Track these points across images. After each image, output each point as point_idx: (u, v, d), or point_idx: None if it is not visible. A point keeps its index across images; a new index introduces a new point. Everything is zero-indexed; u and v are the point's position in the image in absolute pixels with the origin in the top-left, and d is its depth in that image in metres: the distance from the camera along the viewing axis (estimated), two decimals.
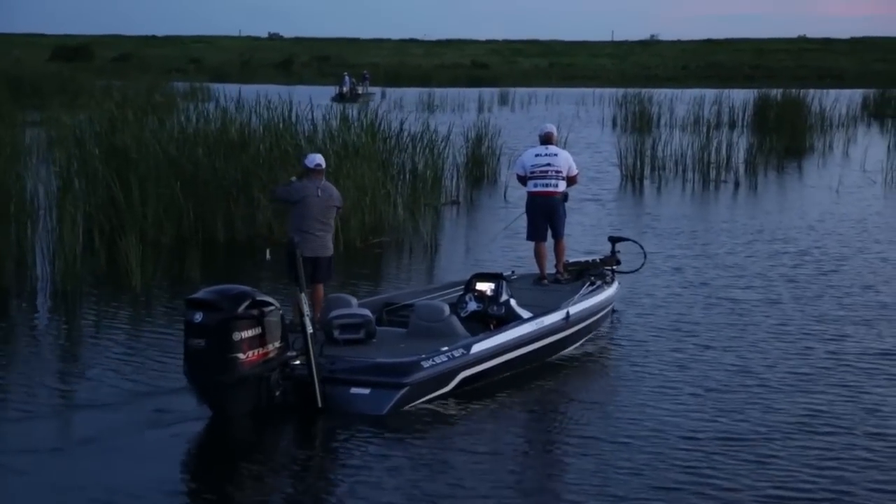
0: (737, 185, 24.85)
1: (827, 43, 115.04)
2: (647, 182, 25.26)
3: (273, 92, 26.96)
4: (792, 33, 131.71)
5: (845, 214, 20.06)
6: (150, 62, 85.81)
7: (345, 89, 57.60)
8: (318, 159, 10.80)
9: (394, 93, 59.08)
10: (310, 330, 8.60)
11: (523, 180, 12.59)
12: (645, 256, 13.36)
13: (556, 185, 12.27)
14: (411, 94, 54.95)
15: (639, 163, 25.73)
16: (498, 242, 17.23)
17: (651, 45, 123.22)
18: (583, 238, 16.97)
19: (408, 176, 20.22)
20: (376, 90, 62.54)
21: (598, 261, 12.55)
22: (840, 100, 44.49)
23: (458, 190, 22.28)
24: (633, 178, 25.39)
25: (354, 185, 16.77)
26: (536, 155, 12.43)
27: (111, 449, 7.90)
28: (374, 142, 18.59)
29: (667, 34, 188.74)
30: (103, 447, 7.93)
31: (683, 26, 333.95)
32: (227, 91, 31.56)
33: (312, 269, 10.21)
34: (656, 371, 10.01)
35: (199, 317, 8.14)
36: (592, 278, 11.90)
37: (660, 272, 14.41)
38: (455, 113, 44.98)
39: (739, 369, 10.03)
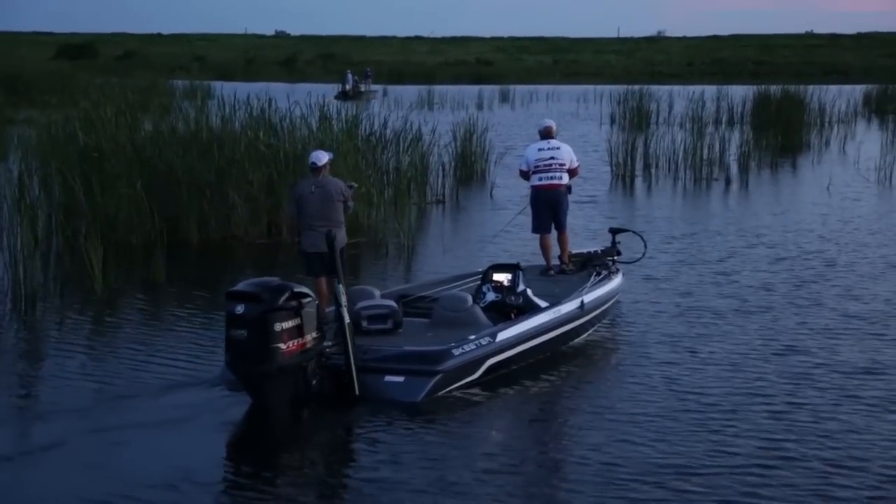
0: (728, 183, 24.53)
1: (833, 39, 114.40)
2: (638, 181, 24.97)
3: (275, 90, 26.77)
4: (800, 29, 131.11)
5: (833, 215, 19.61)
6: (155, 60, 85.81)
7: (347, 87, 57.51)
8: (312, 157, 10.95)
9: (395, 90, 58.90)
10: (347, 320, 8.85)
11: (526, 175, 12.87)
12: (645, 247, 13.53)
13: (561, 178, 12.61)
14: (411, 91, 54.63)
15: (630, 161, 25.45)
16: (476, 242, 17.02)
17: (656, 41, 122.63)
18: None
19: (391, 175, 20.00)
20: (378, 88, 62.37)
21: (599, 252, 12.81)
22: (842, 96, 44.10)
23: (444, 189, 22.02)
24: (623, 177, 25.09)
25: None
26: (539, 149, 12.70)
27: (68, 454, 7.83)
28: (352, 140, 18.31)
29: (674, 30, 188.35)
30: (64, 453, 7.85)
31: (691, 22, 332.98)
32: (229, 89, 31.34)
33: (322, 265, 10.36)
34: (596, 393, 9.49)
35: (240, 308, 8.35)
36: (597, 269, 12.18)
37: (631, 278, 13.89)
38: (454, 111, 44.68)
39: (694, 390, 9.37)
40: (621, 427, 8.42)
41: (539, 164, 12.62)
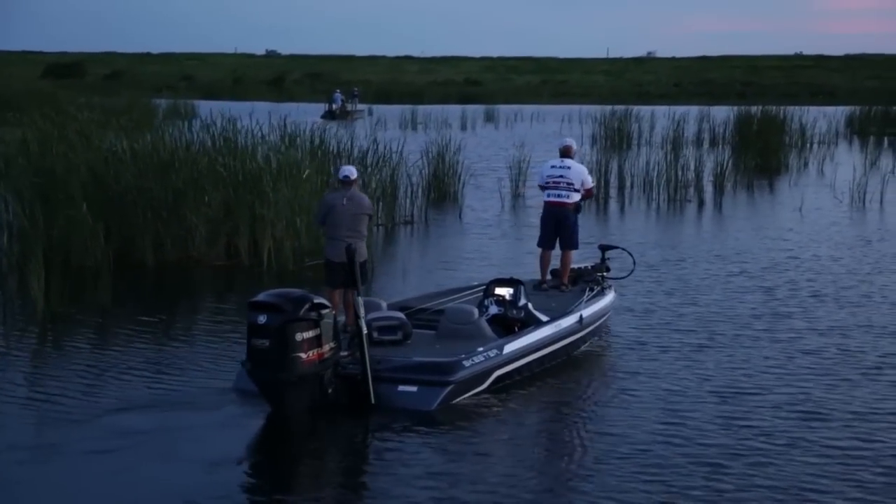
0: (701, 204, 24.32)
1: (820, 60, 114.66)
2: (612, 201, 24.74)
3: (260, 109, 26.50)
4: (788, 50, 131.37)
5: (801, 240, 19.18)
6: (143, 79, 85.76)
7: (334, 106, 57.36)
8: (345, 171, 11.29)
9: (382, 110, 58.74)
10: (364, 331, 9.17)
11: (544, 189, 13.37)
12: (634, 263, 13.73)
13: (567, 197, 13.02)
14: (399, 111, 54.38)
15: (604, 182, 25.22)
16: (436, 265, 16.78)
17: (645, 62, 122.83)
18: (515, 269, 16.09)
19: None
20: (364, 107, 62.24)
21: (589, 268, 13.12)
22: (827, 117, 44.01)
23: (414, 209, 21.75)
24: (597, 198, 24.80)
25: (290, 206, 16.31)
26: (552, 166, 13.20)
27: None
28: (314, 160, 18.07)
29: (664, 51, 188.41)
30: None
31: (681, 43, 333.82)
32: (214, 108, 31.07)
33: (343, 275, 10.54)
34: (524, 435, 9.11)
35: (262, 318, 8.62)
36: (590, 284, 12.47)
37: None
38: (437, 130, 44.42)
39: (624, 434, 8.79)
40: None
41: (549, 180, 13.12)
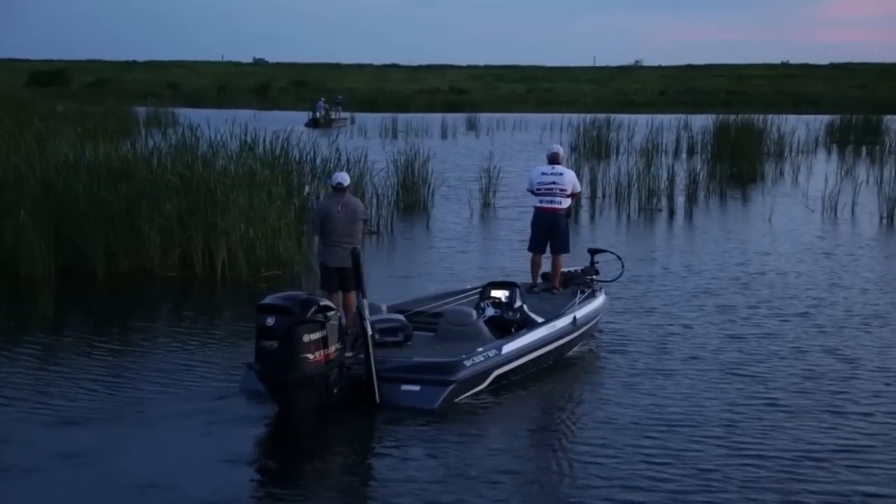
0: (672, 214, 24.10)
1: (806, 69, 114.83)
2: (582, 211, 24.48)
3: (242, 117, 26.21)
4: (775, 59, 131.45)
5: (768, 251, 18.87)
6: (128, 87, 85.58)
7: (318, 115, 57.24)
8: (338, 178, 11.61)
9: (365, 118, 58.56)
10: (369, 332, 9.44)
11: (536, 194, 13.57)
12: (623, 267, 13.89)
13: (560, 203, 13.30)
14: (382, 119, 54.08)
15: None
16: (396, 279, 16.50)
17: (631, 70, 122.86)
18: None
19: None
20: (347, 115, 62.11)
21: (579, 271, 13.37)
22: (808, 126, 43.89)
23: (380, 219, 21.46)
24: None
25: (245, 216, 16.05)
26: (543, 173, 13.39)
27: None
28: (273, 169, 17.79)
29: (651, 60, 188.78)
30: None
31: (669, 52, 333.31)
32: (198, 117, 30.75)
33: (340, 279, 11.03)
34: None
35: (271, 320, 8.90)
36: (581, 287, 12.71)
37: None
38: (411, 140, 44.13)
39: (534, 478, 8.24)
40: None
41: (541, 187, 13.28)
